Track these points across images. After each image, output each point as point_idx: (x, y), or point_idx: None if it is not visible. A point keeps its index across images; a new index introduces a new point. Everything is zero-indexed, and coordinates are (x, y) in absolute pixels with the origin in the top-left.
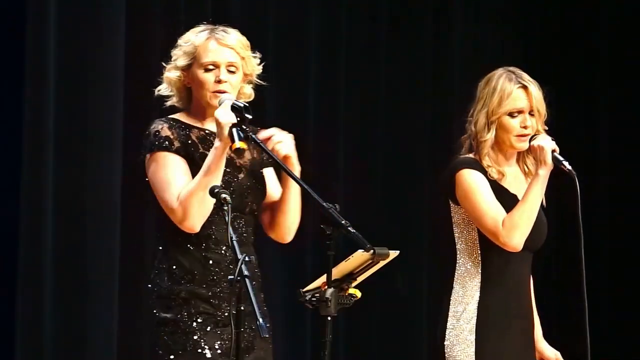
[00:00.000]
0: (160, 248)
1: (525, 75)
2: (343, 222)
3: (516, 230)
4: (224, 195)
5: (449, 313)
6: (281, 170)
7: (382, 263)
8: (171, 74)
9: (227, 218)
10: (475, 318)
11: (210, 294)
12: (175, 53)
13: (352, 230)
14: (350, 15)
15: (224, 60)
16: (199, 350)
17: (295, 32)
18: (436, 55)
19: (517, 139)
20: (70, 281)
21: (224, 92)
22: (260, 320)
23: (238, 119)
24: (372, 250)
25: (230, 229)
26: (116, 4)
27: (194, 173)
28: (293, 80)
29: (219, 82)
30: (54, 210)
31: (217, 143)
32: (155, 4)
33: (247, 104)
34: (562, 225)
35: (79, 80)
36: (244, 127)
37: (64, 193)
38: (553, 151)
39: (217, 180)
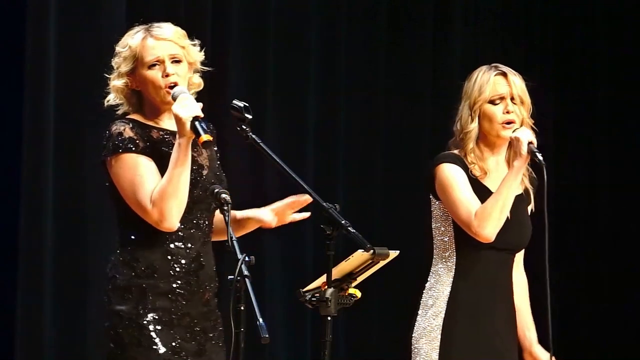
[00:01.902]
0: (121, 242)
1: (507, 67)
2: (343, 222)
3: (488, 220)
4: (223, 195)
5: (420, 305)
6: (250, 220)
7: (382, 263)
8: (117, 82)
9: (226, 218)
10: (444, 313)
11: (169, 288)
12: (116, 61)
13: (352, 230)
14: (350, 15)
15: (165, 53)
16: (153, 347)
17: (295, 32)
18: (436, 55)
19: (501, 126)
20: (70, 281)
21: (175, 84)
22: (260, 320)
23: (198, 111)
24: (372, 250)
25: (230, 229)
26: (116, 4)
27: (161, 171)
28: (293, 81)
29: (167, 76)
30: (54, 210)
31: (179, 139)
32: (155, 4)
33: (247, 104)
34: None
35: (79, 80)
36: (243, 126)
37: (64, 193)
38: (530, 143)
39: (186, 176)
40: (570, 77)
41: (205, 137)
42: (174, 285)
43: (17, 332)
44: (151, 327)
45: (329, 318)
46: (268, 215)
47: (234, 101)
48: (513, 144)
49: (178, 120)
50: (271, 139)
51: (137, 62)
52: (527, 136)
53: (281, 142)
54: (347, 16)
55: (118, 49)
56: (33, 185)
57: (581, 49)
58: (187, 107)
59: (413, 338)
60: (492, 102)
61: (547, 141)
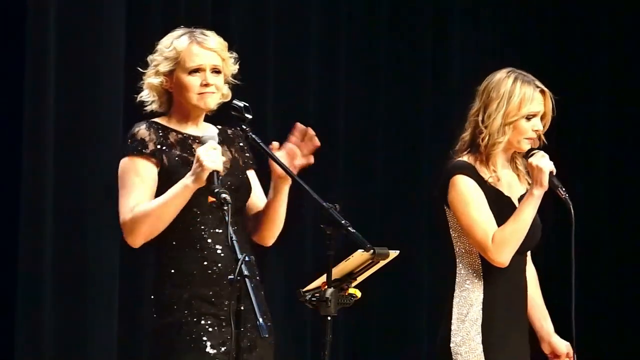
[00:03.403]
0: (157, 255)
1: (537, 80)
2: (343, 222)
3: (505, 247)
4: (224, 195)
5: (453, 315)
6: (272, 177)
7: (382, 263)
8: (153, 79)
9: (227, 218)
10: (481, 320)
11: (211, 293)
12: (156, 58)
13: (352, 230)
14: (350, 16)
15: (208, 63)
16: (202, 348)
17: (295, 32)
18: (436, 56)
19: (526, 141)
20: (70, 282)
21: (211, 93)
22: (260, 320)
23: (220, 166)
24: (372, 250)
25: (230, 229)
26: (116, 4)
27: (168, 176)
28: (293, 81)
29: (205, 85)
30: (54, 210)
31: (189, 180)
32: (155, 4)
33: (247, 104)
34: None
35: (79, 80)
36: (243, 126)
37: (64, 193)
38: (551, 173)
39: (174, 213)
40: (570, 77)
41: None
42: (216, 289)
43: (17, 332)
44: (201, 333)
45: (329, 318)
46: (284, 163)
47: (234, 101)
48: (534, 172)
49: (199, 163)
50: (271, 139)
51: (178, 64)
52: (548, 166)
53: (281, 142)
54: (347, 16)
55: (160, 47)
56: (33, 185)
57: (581, 49)
58: (213, 158)
59: (452, 349)
60: (527, 117)
61: (547, 142)
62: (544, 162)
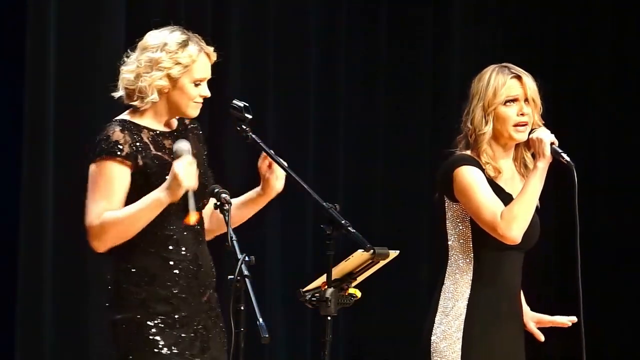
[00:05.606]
0: (119, 249)
1: (518, 68)
2: (343, 222)
3: (515, 221)
4: (224, 195)
5: (438, 308)
6: (262, 186)
7: (382, 263)
8: (162, 82)
9: (226, 218)
10: (464, 315)
11: (169, 294)
12: (165, 60)
13: (352, 230)
14: (350, 15)
15: (209, 76)
16: (155, 350)
17: (295, 32)
18: (436, 55)
19: (515, 129)
20: (70, 281)
21: (200, 104)
22: (260, 319)
23: (195, 184)
24: (372, 250)
25: (230, 229)
26: (116, 3)
27: (146, 177)
28: (293, 81)
29: (203, 97)
30: (54, 210)
31: (162, 195)
32: (155, 4)
33: (247, 104)
34: (561, 225)
35: (79, 80)
36: (243, 126)
37: (64, 193)
38: (552, 144)
39: (144, 223)
40: (571, 77)
41: (193, 217)
42: (175, 291)
43: (17, 332)
44: (153, 331)
45: (329, 318)
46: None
47: (234, 101)
48: (535, 145)
49: (175, 179)
50: (271, 139)
51: (187, 72)
52: (549, 137)
53: (281, 142)
54: (347, 16)
55: (171, 49)
56: (33, 185)
57: (581, 48)
58: (190, 176)
59: (433, 342)
60: (505, 103)
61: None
62: (543, 134)
